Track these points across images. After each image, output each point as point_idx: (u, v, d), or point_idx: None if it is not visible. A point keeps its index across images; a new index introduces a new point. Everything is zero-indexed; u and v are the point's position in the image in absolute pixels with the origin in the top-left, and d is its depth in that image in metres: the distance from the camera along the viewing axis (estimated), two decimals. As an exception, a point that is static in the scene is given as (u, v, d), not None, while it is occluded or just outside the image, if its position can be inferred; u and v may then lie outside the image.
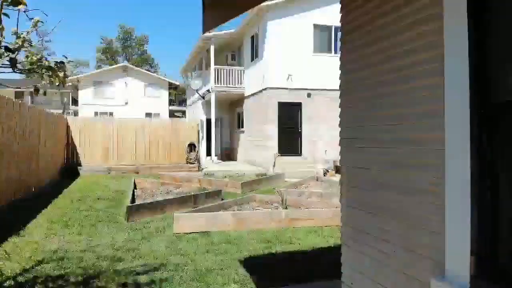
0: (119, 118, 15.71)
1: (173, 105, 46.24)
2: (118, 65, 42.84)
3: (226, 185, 9.97)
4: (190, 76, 30.71)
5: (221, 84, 18.68)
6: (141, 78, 39.67)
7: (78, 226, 6.05)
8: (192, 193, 8.41)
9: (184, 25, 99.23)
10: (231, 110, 22.49)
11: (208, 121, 19.71)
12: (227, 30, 18.50)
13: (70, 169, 13.28)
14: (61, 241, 5.23)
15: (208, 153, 19.46)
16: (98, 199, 8.40)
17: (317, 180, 11.27)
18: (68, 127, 14.20)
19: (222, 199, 8.62)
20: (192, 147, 15.41)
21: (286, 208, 7.32)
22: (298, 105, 15.74)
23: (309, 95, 15.77)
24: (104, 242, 5.20)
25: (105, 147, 14.68)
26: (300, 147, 15.80)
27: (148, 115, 35.88)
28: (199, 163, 15.23)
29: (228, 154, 21.80)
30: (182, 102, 49.22)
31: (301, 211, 6.70)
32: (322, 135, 16.10)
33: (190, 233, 5.76)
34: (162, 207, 7.11)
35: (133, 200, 7.61)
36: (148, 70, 50.05)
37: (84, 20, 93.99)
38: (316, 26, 15.72)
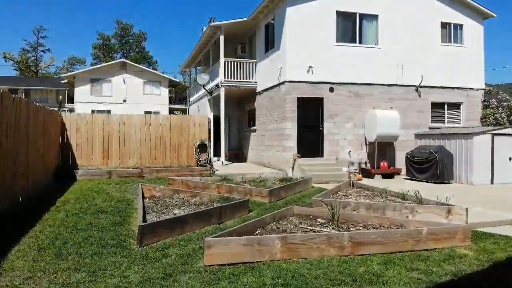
0: (121, 114, 14.08)
1: (173, 103, 44.53)
2: (116, 61, 41.10)
3: (250, 193, 8.46)
4: (194, 72, 29.17)
5: (231, 78, 17.21)
6: (140, 75, 37.99)
7: (76, 255, 4.52)
8: (216, 205, 6.92)
9: (182, 21, 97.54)
10: (240, 107, 20.99)
11: (216, 119, 18.20)
12: (236, 19, 16.99)
13: (65, 173, 11.69)
14: (52, 283, 3.71)
15: (215, 154, 17.93)
16: (99, 212, 6.85)
17: (352, 186, 9.77)
18: (63, 124, 12.63)
19: (250, 211, 7.14)
20: (203, 147, 13.85)
21: (338, 226, 5.84)
22: (320, 101, 14.22)
23: (331, 90, 14.26)
24: (112, 284, 3.69)
25: (105, 147, 13.09)
26: (322, 147, 14.31)
27: (147, 113, 34.21)
28: (211, 166, 13.68)
29: (236, 155, 20.28)
30: (182, 100, 47.54)
31: (367, 233, 5.20)
32: (346, 134, 14.61)
33: (227, 265, 4.26)
34: (182, 225, 5.60)
35: (143, 215, 6.09)
36: (146, 67, 48.27)
37: (81, 17, 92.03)
38: (339, 13, 14.21)
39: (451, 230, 5.35)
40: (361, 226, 5.88)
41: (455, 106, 16.18)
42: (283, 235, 4.81)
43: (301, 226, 5.83)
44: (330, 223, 5.97)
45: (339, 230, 5.54)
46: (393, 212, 6.80)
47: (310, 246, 4.72)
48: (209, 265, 4.25)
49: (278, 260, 4.49)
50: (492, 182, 12.36)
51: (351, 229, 5.71)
